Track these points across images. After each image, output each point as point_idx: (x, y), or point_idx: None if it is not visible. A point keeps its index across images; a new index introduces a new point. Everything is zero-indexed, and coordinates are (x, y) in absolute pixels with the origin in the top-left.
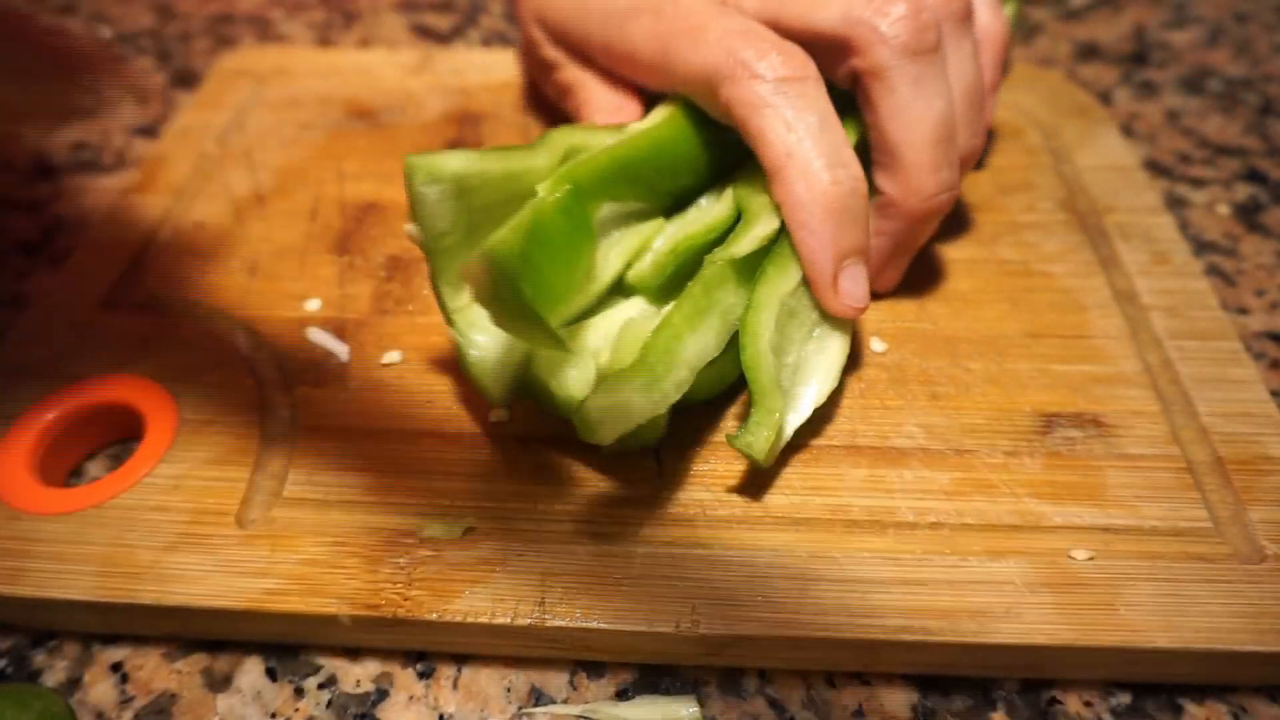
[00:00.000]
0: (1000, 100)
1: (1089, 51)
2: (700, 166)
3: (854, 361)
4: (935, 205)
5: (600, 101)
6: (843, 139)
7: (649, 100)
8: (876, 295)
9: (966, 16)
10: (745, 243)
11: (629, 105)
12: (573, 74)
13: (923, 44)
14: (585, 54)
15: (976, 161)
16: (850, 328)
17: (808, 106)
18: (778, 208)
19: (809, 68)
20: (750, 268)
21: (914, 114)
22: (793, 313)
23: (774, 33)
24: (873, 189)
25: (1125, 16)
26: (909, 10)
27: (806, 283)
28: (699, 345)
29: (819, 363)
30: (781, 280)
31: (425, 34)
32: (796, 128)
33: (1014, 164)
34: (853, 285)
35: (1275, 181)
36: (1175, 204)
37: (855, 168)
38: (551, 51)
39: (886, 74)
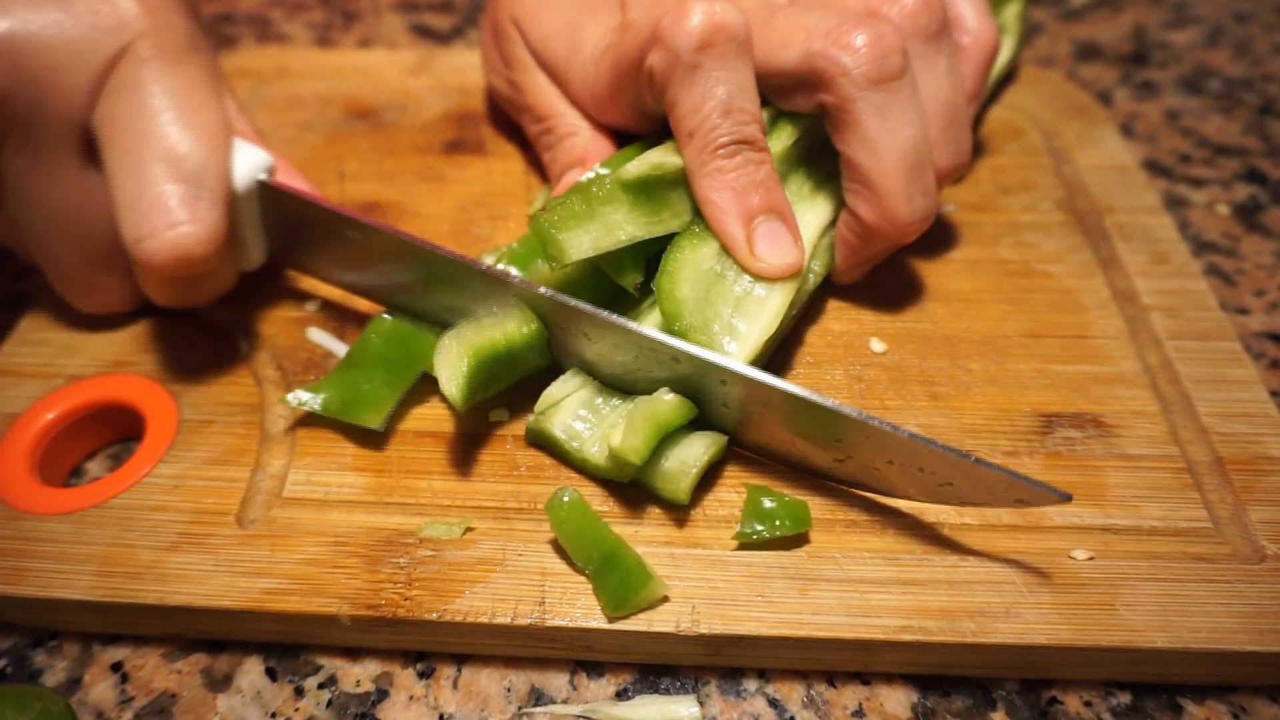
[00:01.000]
0: (1000, 100)
1: (1089, 51)
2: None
3: (854, 361)
4: (910, 232)
5: (575, 127)
6: (752, 115)
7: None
8: (839, 286)
9: (939, 32)
10: (634, 166)
11: (584, 125)
12: (534, 80)
13: (886, 72)
14: (559, 85)
15: (960, 176)
16: (790, 284)
17: (718, 80)
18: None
19: (724, 24)
20: (645, 194)
21: (883, 144)
22: (720, 275)
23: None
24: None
25: (1125, 16)
26: (869, 39)
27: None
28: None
29: (759, 312)
30: (701, 247)
31: (425, 34)
32: (703, 106)
33: (1014, 164)
34: (769, 244)
35: (1275, 181)
36: (1175, 204)
37: (761, 142)
38: (523, 52)
39: (851, 106)
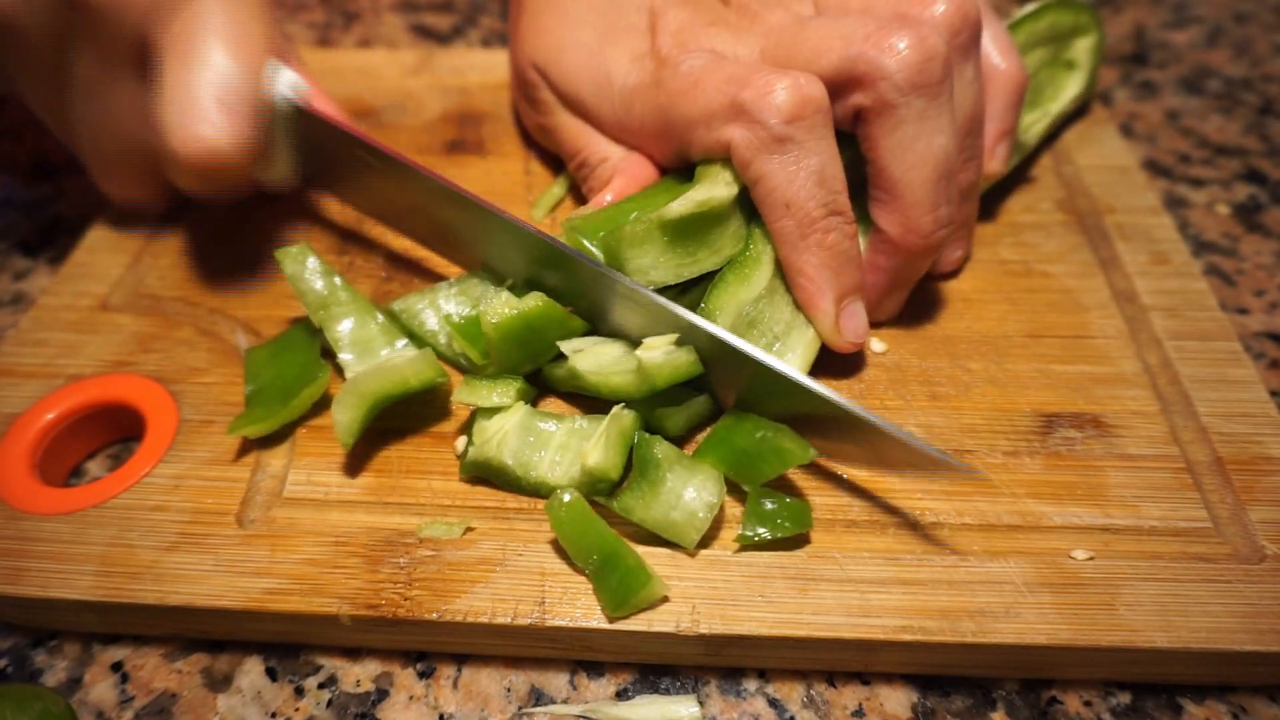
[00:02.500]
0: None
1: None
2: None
3: (854, 362)
4: (933, 242)
5: (606, 153)
6: (841, 184)
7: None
8: (877, 324)
9: (971, 41)
10: (678, 204)
11: (633, 155)
12: (561, 120)
13: (928, 77)
14: (590, 121)
15: (977, 192)
16: (815, 340)
17: (810, 151)
18: (735, 181)
19: (811, 98)
20: (684, 233)
21: (916, 152)
22: (753, 322)
23: (771, 67)
24: (866, 222)
25: (1125, 16)
26: (913, 42)
27: (768, 294)
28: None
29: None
30: (741, 289)
31: (425, 34)
32: (796, 177)
33: (1014, 164)
34: (853, 322)
35: (1275, 181)
36: (1175, 204)
37: (850, 214)
38: (548, 95)
39: (892, 110)
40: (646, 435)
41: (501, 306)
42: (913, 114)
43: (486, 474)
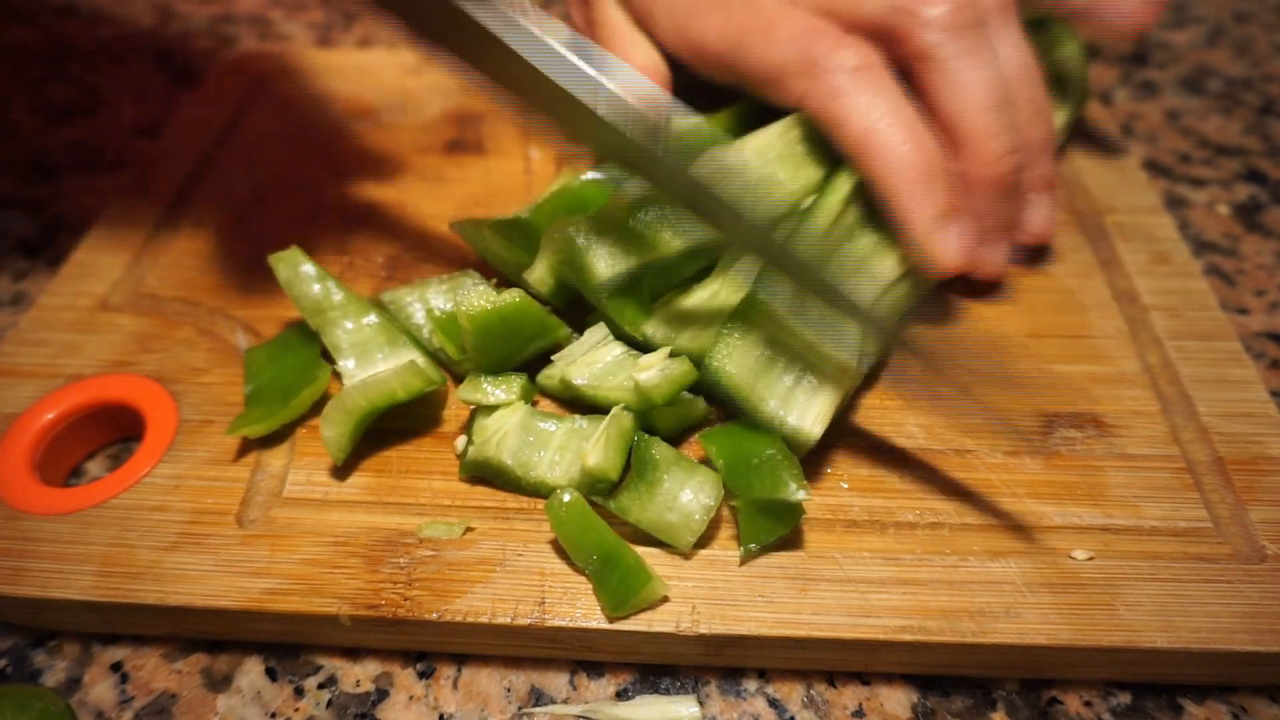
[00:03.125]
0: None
1: (1089, 51)
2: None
3: None
4: (1001, 169)
5: (634, 56)
6: (915, 116)
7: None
8: (986, 293)
9: (1008, 8)
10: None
11: (658, 70)
12: (613, 17)
13: (964, 19)
14: (641, 20)
15: (1050, 149)
16: (840, 392)
17: (880, 91)
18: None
19: (874, 57)
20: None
21: (963, 83)
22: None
23: (838, 28)
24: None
25: None
26: None
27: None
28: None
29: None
30: (752, 346)
31: None
32: (872, 110)
33: None
34: (949, 241)
35: (1275, 181)
36: (1175, 204)
37: (931, 140)
38: None
39: (933, 51)
40: (645, 436)
41: (478, 300)
42: (955, 52)
43: (486, 473)
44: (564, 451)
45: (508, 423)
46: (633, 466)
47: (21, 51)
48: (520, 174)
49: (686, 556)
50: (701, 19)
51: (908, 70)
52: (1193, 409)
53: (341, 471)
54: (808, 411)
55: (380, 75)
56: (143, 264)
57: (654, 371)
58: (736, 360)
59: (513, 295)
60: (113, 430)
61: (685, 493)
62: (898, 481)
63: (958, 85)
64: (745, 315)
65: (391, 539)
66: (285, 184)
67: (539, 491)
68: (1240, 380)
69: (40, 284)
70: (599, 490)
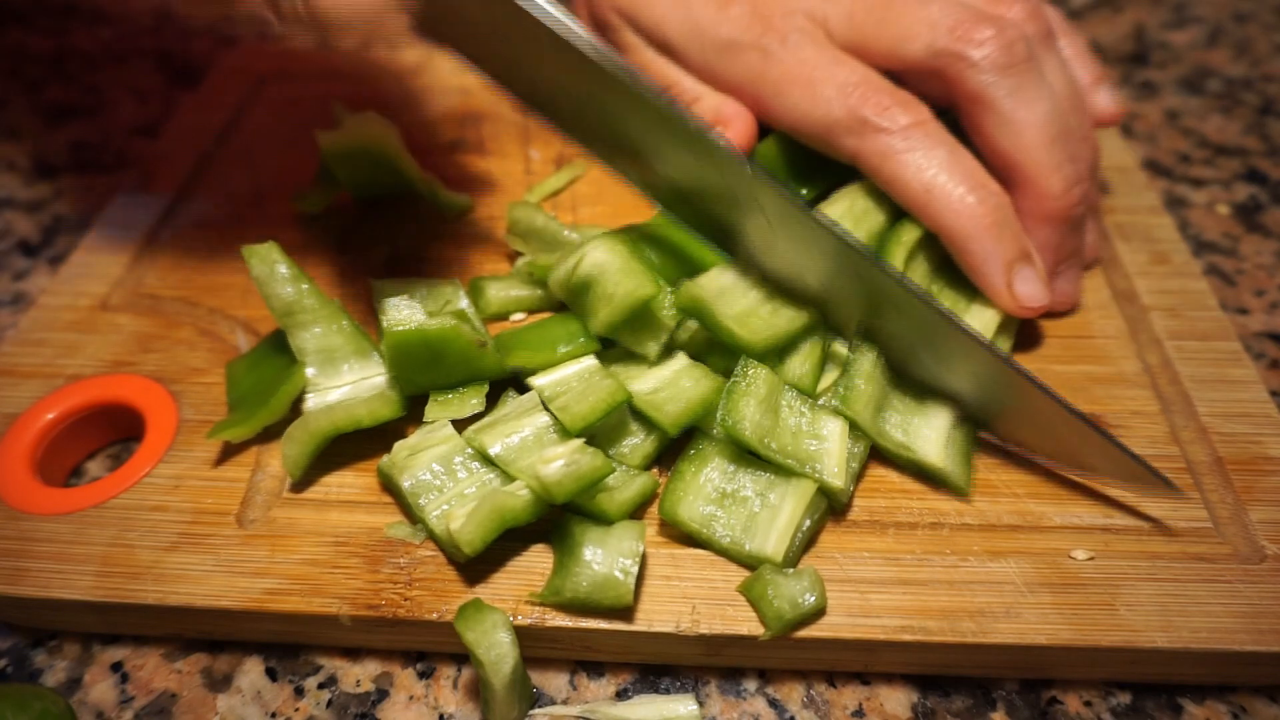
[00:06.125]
0: None
1: None
2: None
3: None
4: (1069, 201)
5: (697, 92)
6: (975, 164)
7: None
8: (1061, 314)
9: (1050, 34)
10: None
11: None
12: (647, 57)
13: (1014, 57)
14: (678, 61)
15: (1097, 169)
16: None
17: (934, 144)
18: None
19: (924, 111)
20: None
21: (1019, 119)
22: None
23: (886, 81)
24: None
25: (1125, 16)
26: (995, 30)
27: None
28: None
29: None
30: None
31: None
32: (928, 166)
33: None
34: (1027, 287)
35: (1275, 181)
36: (1175, 204)
37: (995, 185)
38: (631, 36)
39: (986, 93)
40: (566, 517)
41: (403, 316)
42: (1008, 90)
43: (390, 488)
44: (457, 503)
45: (432, 450)
46: (555, 555)
47: (21, 51)
48: (520, 174)
49: (630, 612)
50: (735, 62)
51: (958, 109)
52: (1192, 409)
53: (342, 470)
54: (769, 536)
55: (380, 75)
56: (143, 264)
57: (558, 465)
58: (686, 508)
59: (445, 320)
60: (113, 430)
61: (605, 551)
62: (898, 481)
63: (1015, 125)
64: (695, 457)
65: (391, 539)
66: (285, 184)
67: (433, 533)
68: (1240, 380)
69: (40, 284)
70: (460, 556)
